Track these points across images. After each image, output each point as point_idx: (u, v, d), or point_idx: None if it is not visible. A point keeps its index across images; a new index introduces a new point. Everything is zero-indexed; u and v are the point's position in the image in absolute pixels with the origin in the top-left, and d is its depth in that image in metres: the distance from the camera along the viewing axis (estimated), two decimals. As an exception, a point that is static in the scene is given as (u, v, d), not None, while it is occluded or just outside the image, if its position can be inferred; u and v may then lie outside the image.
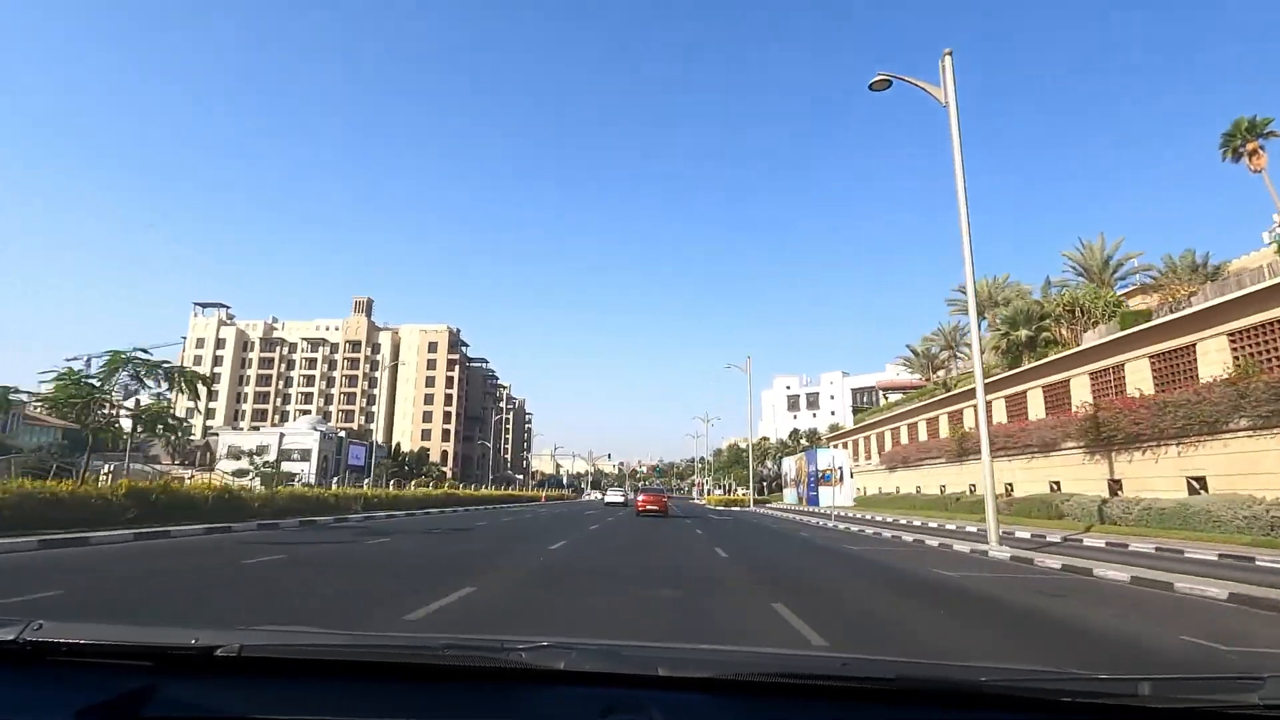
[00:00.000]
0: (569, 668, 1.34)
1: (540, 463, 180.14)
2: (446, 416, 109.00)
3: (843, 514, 35.30)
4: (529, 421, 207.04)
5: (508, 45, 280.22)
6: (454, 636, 1.59)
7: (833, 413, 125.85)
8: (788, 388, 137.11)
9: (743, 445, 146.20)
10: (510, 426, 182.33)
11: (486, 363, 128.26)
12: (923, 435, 41.48)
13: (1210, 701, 1.23)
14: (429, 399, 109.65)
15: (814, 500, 50.07)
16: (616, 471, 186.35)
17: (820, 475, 50.07)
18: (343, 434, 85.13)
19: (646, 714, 1.21)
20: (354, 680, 1.39)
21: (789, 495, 61.61)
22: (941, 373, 49.05)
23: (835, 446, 53.80)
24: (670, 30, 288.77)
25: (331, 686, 1.38)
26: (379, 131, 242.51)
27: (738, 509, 49.91)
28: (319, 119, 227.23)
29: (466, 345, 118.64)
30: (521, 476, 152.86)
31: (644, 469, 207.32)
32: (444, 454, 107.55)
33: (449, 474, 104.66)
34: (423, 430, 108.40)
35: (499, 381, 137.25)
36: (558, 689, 1.35)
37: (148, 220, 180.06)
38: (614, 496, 51.54)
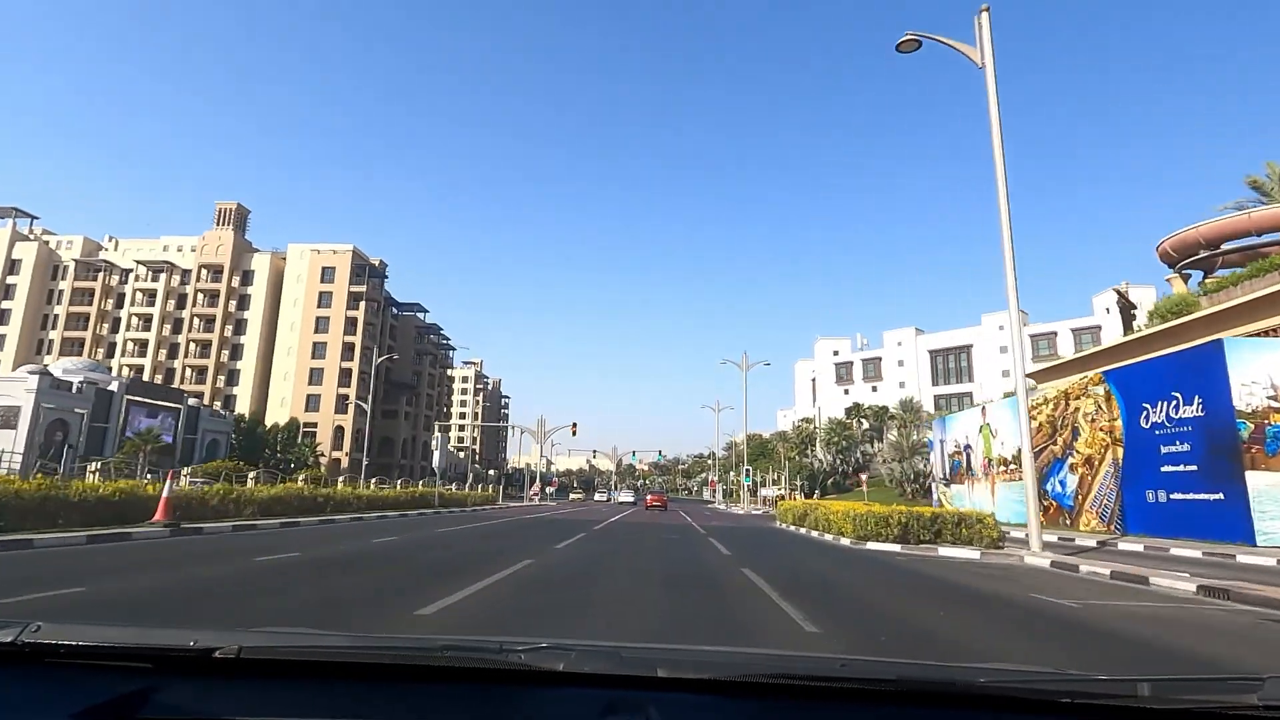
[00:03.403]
0: (568, 669, 1.32)
1: (526, 458, 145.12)
2: (344, 377, 73.15)
3: None
4: (506, 406, 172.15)
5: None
6: (453, 637, 1.58)
7: (902, 384, 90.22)
8: (835, 353, 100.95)
9: (767, 436, 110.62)
10: (480, 411, 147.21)
11: (424, 312, 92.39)
12: None
13: (1209, 702, 1.20)
14: (318, 351, 73.78)
15: (1210, 521, 14.41)
16: (614, 469, 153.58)
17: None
18: (114, 387, 49.16)
19: (645, 715, 1.20)
20: (353, 682, 1.37)
21: (992, 498, 24.84)
22: None
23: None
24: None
25: (330, 688, 1.36)
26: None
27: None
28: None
29: (385, 277, 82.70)
30: (494, 472, 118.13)
31: (644, 466, 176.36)
32: (338, 431, 71.74)
33: (344, 460, 69.04)
34: (309, 396, 72.65)
35: (446, 338, 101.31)
36: (557, 690, 1.34)
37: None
38: (625, 496, 68.61)
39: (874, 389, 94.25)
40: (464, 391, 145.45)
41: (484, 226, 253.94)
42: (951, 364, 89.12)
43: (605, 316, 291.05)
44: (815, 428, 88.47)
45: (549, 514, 30.98)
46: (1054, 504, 19.98)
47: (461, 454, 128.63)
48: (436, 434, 29.07)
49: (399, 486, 29.70)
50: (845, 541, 15.44)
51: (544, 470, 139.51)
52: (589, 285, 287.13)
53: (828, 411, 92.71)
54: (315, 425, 71.33)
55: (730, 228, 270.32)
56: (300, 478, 30.43)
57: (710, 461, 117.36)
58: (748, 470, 45.57)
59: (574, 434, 50.99)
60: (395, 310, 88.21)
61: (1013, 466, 22.50)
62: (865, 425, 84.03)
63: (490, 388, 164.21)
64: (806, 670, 1.43)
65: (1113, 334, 55.71)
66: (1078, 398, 19.17)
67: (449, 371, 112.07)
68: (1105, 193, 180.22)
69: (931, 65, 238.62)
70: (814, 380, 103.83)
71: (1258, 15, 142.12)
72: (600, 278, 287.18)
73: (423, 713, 1.28)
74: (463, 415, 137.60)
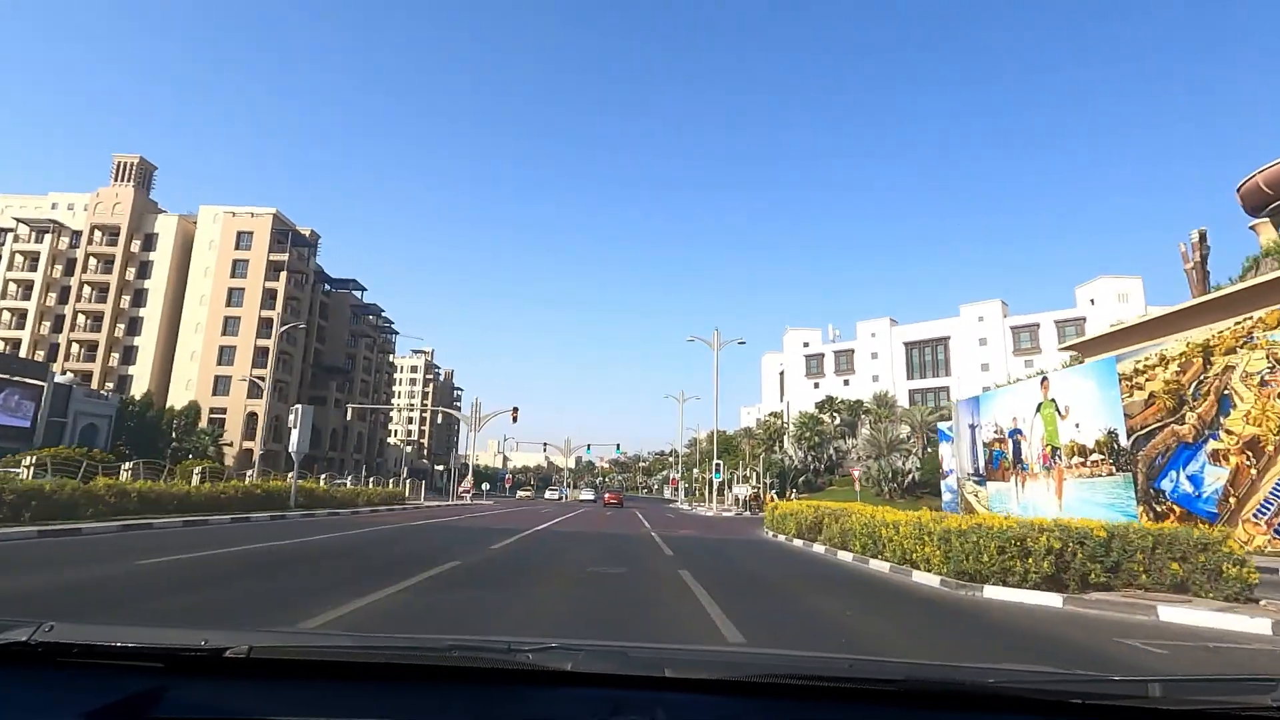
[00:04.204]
0: (576, 669, 1.34)
1: (480, 452, 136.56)
2: (261, 357, 64.22)
3: None
4: (458, 399, 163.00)
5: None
6: (460, 638, 1.60)
7: (876, 377, 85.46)
8: (805, 345, 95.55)
9: (731, 433, 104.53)
10: (429, 401, 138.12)
11: (361, 290, 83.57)
12: None
13: (1222, 703, 1.20)
14: (230, 327, 64.73)
15: None
16: (574, 466, 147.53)
17: None
18: (-54, 355, 39.87)
19: (652, 715, 1.22)
20: (362, 682, 1.39)
21: (1057, 500, 18.50)
22: None
23: None
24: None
25: (340, 688, 1.38)
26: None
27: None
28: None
29: (313, 247, 73.77)
30: (443, 468, 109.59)
31: (605, 463, 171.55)
32: (250, 418, 62.88)
33: (256, 450, 60.33)
34: (217, 378, 63.56)
35: (388, 321, 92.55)
36: (564, 690, 1.35)
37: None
38: (585, 494, 68.48)
39: (846, 383, 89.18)
40: (413, 381, 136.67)
41: (451, 218, 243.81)
42: (928, 356, 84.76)
43: (574, 311, 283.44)
44: (785, 422, 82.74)
45: (465, 518, 23.82)
46: (1175, 508, 13.77)
47: (409, 448, 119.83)
48: (297, 407, 21.54)
49: (282, 479, 22.03)
50: (925, 579, 8.73)
51: (498, 466, 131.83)
52: (557, 279, 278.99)
53: (797, 406, 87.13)
54: (225, 411, 62.42)
55: (702, 221, 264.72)
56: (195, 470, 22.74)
57: (672, 459, 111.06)
58: (718, 465, 38.79)
59: (514, 420, 43.98)
60: (327, 286, 79.32)
61: (1095, 458, 16.33)
62: (838, 420, 78.70)
63: (442, 379, 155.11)
64: (814, 670, 1.41)
65: (1099, 326, 50.55)
66: (1232, 350, 12.96)
67: (391, 358, 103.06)
68: (1095, 188, 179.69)
69: (927, 66, 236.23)
70: (782, 373, 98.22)
71: (1250, 14, 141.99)
72: (572, 270, 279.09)
73: (431, 712, 1.27)
74: (412, 406, 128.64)
